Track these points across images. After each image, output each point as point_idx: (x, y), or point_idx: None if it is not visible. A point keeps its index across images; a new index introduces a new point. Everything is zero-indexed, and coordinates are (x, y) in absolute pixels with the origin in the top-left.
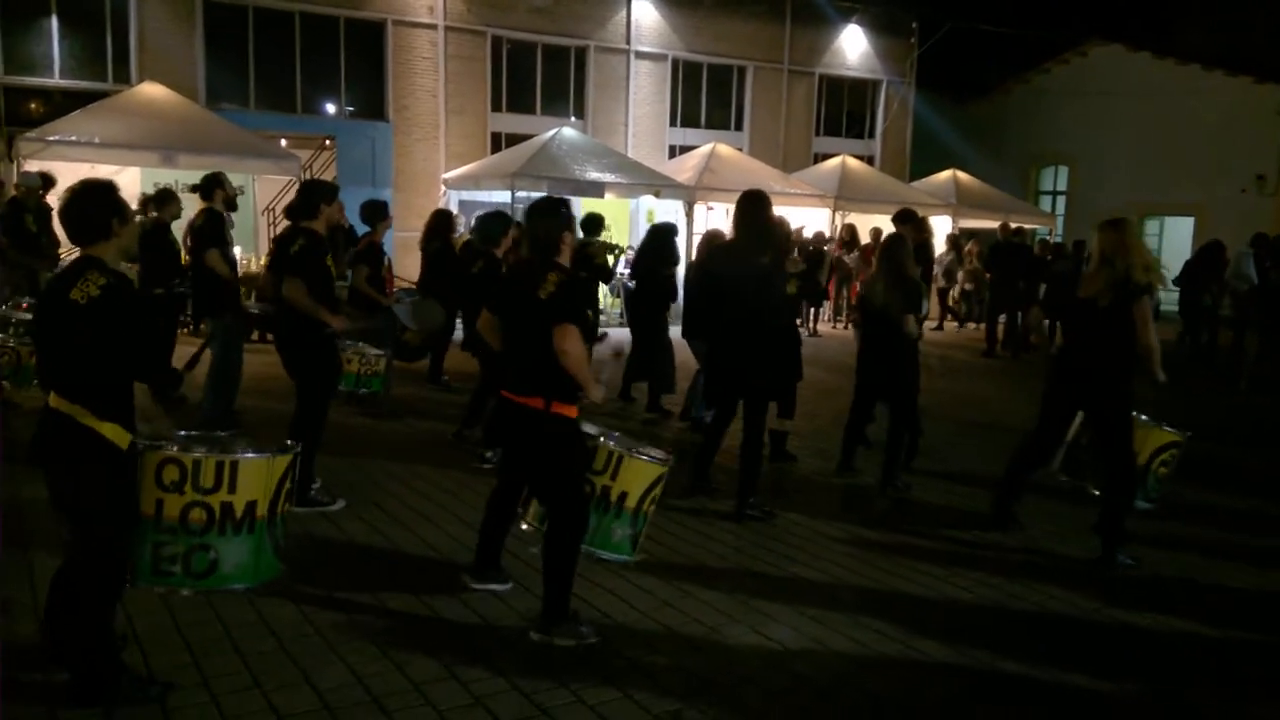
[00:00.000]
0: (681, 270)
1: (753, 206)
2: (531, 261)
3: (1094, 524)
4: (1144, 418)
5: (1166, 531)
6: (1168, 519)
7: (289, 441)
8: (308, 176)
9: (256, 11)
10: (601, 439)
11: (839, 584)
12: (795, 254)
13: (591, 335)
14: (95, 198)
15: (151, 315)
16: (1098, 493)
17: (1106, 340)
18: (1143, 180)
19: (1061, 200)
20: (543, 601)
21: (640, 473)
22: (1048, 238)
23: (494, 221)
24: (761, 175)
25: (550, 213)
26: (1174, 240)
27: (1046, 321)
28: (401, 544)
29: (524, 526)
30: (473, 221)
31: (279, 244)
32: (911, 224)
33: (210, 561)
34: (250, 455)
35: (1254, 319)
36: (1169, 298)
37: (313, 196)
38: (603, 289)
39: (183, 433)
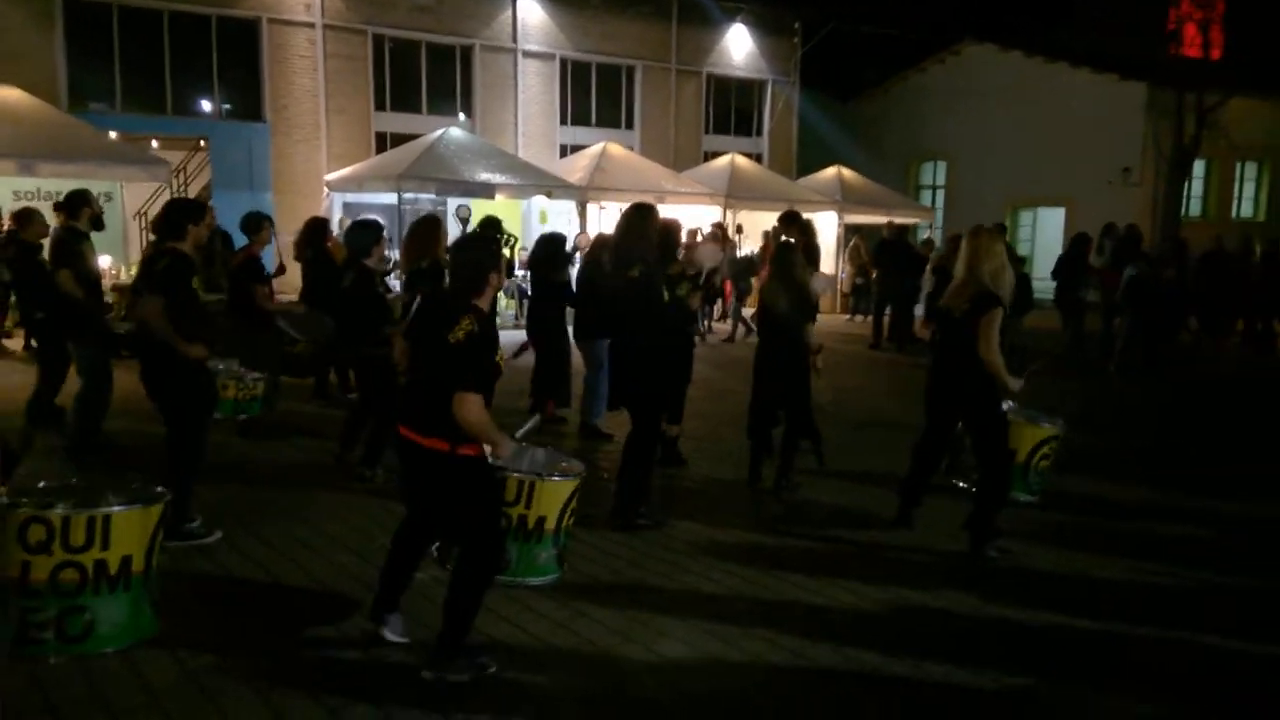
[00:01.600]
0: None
1: (633, 219)
2: (449, 297)
3: (965, 521)
4: (1023, 414)
5: (1051, 524)
6: (1051, 510)
7: (158, 489)
8: (182, 179)
9: (122, 10)
10: (508, 471)
11: (732, 594)
12: (685, 256)
13: (495, 377)
14: None
15: None
16: (974, 490)
17: (964, 348)
18: (1016, 174)
19: (941, 194)
20: (439, 638)
21: (554, 493)
22: (928, 234)
23: (363, 232)
24: (652, 175)
25: (478, 247)
26: (1046, 231)
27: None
28: (284, 577)
29: (450, 569)
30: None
31: (145, 264)
32: (797, 225)
33: (86, 624)
34: (122, 508)
35: (1120, 305)
36: (1047, 287)
37: (179, 217)
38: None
39: (42, 484)
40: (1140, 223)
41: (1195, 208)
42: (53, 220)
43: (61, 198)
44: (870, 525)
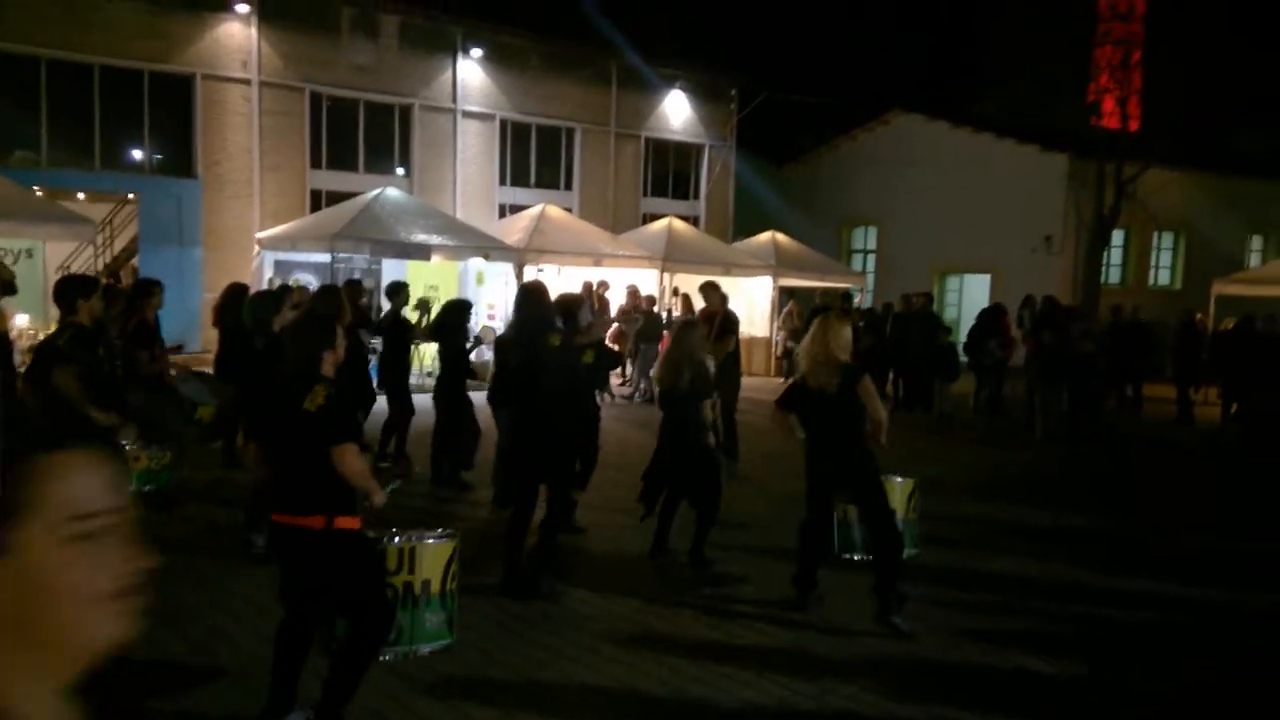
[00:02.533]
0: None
1: (525, 299)
2: (294, 374)
3: (872, 586)
4: (883, 476)
5: (961, 606)
6: (963, 593)
7: None
8: (108, 234)
9: (50, 63)
10: (384, 541)
11: (623, 690)
12: (588, 323)
13: (360, 434)
14: None
15: None
16: (870, 557)
17: (842, 422)
18: (943, 240)
19: (872, 259)
20: (318, 713)
21: (435, 556)
22: (858, 299)
23: (262, 303)
24: (590, 237)
25: (308, 335)
26: (972, 296)
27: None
28: (166, 644)
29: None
30: (288, 280)
31: (44, 345)
32: (718, 293)
33: None
34: None
35: (1033, 374)
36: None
37: (68, 294)
38: (429, 350)
39: None
40: (1061, 290)
41: (1115, 275)
42: None
43: None
44: (771, 603)
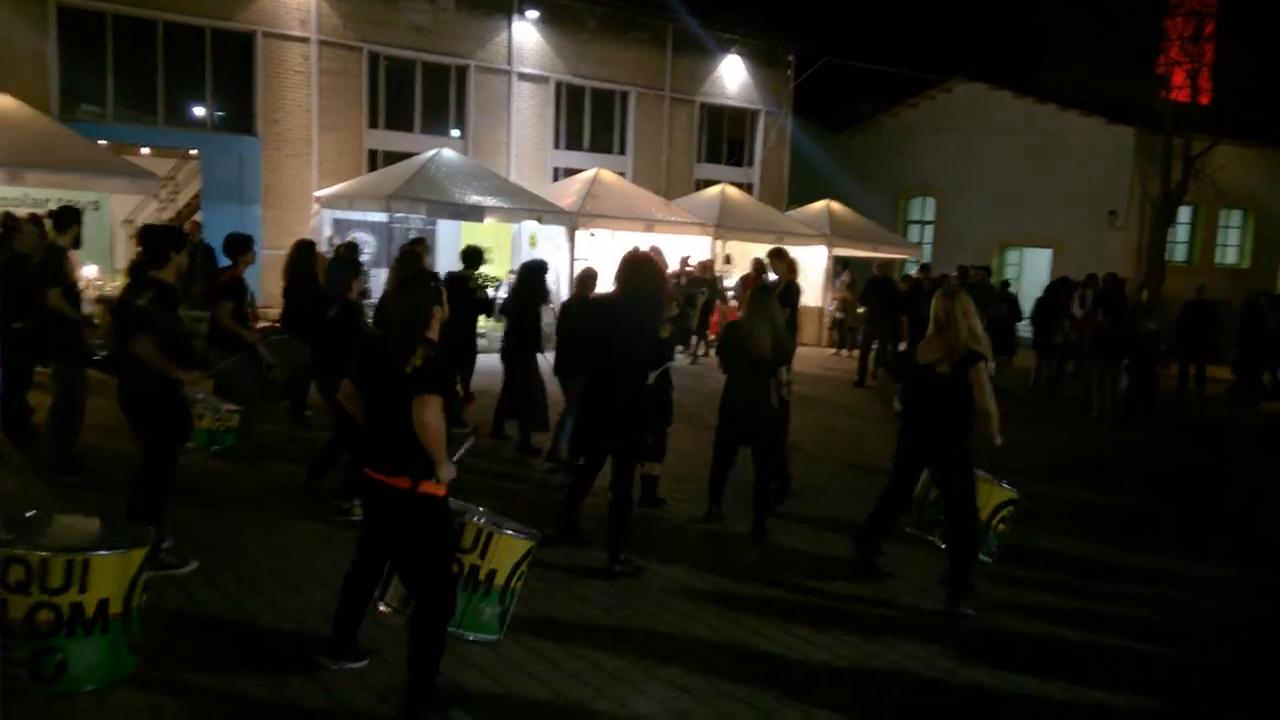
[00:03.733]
0: (557, 305)
1: (635, 270)
2: (398, 335)
3: (939, 576)
4: (983, 474)
5: (1017, 582)
6: (1019, 569)
7: (147, 530)
8: (171, 189)
9: (116, 19)
10: (468, 516)
11: (706, 646)
12: (671, 298)
13: (460, 407)
14: None
15: None
16: (943, 546)
17: (945, 404)
18: (1004, 213)
19: (930, 230)
20: (407, 689)
21: (509, 549)
22: (911, 273)
23: (341, 270)
24: (643, 203)
25: (420, 287)
26: (1033, 271)
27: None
28: (256, 614)
29: (382, 608)
30: (345, 238)
31: (128, 292)
32: (784, 262)
33: (58, 664)
34: (103, 552)
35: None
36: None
37: (161, 245)
38: (484, 321)
39: (30, 513)
40: (1125, 266)
41: (1180, 253)
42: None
43: (49, 208)
44: (844, 575)
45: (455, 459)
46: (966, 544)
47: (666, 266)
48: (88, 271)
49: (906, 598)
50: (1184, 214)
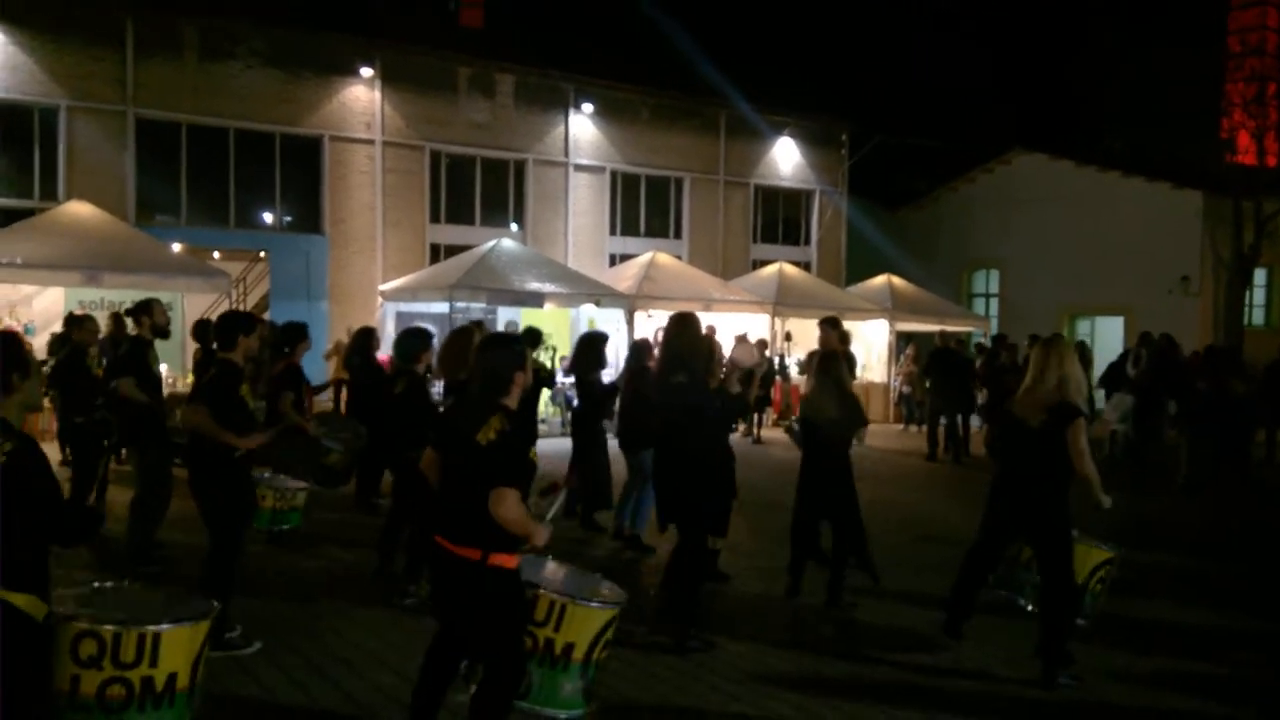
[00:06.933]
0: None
1: (677, 328)
2: (477, 399)
3: (1036, 647)
4: (1078, 534)
5: (1116, 650)
6: (1115, 637)
7: (214, 603)
8: (242, 290)
9: (190, 128)
10: (541, 589)
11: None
12: (723, 371)
13: (532, 474)
14: None
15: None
16: (1031, 609)
17: (1039, 461)
18: (1071, 282)
19: (995, 302)
20: None
21: (587, 620)
22: (982, 340)
23: (411, 339)
24: (701, 283)
25: (503, 347)
26: (1105, 338)
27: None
28: (321, 698)
29: (473, 690)
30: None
31: (196, 373)
32: (837, 331)
33: None
34: (172, 626)
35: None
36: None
37: (231, 329)
38: (544, 394)
39: (96, 584)
40: (1201, 331)
41: (1259, 316)
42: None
43: (124, 308)
44: (925, 649)
45: (549, 518)
46: (1065, 611)
47: (720, 347)
48: (161, 370)
49: (998, 668)
50: (1260, 277)
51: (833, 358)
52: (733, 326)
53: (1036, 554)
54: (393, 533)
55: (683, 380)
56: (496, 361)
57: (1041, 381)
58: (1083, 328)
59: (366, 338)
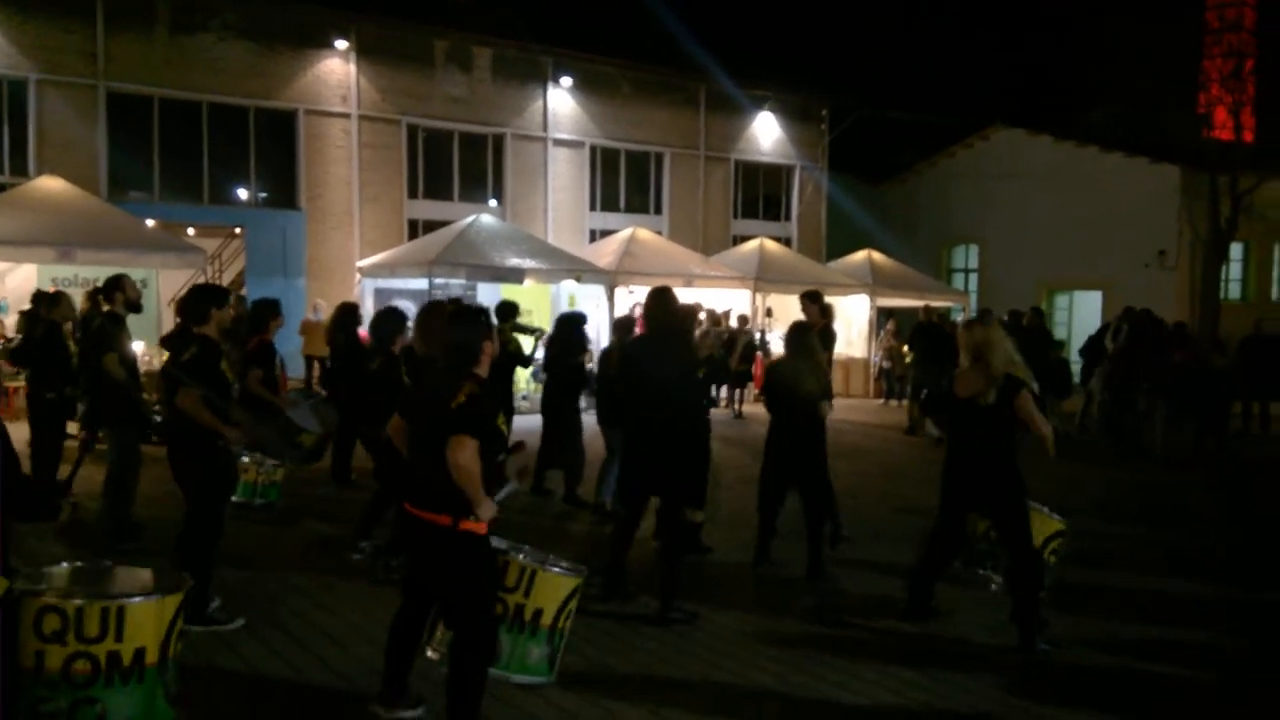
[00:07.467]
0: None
1: (657, 302)
2: (448, 370)
3: (1009, 614)
4: (1033, 505)
5: (1092, 618)
6: (1099, 606)
7: (183, 574)
8: (217, 266)
9: (162, 102)
10: (511, 553)
11: (765, 693)
12: (700, 337)
13: (502, 446)
14: None
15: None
16: (996, 582)
17: (992, 436)
18: (1050, 257)
19: (974, 277)
20: None
21: (555, 587)
22: (962, 317)
23: (387, 319)
24: (681, 258)
25: (470, 321)
26: (1083, 313)
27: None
28: (304, 669)
29: (430, 654)
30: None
31: (171, 350)
32: (818, 305)
33: (97, 715)
34: (138, 599)
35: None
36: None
37: (202, 303)
38: (524, 373)
39: (65, 564)
40: (1178, 305)
41: (1234, 290)
42: (81, 303)
43: (99, 284)
44: (901, 616)
45: (497, 499)
46: (1032, 578)
47: (702, 323)
48: (136, 347)
49: (977, 634)
50: (1236, 251)
51: (805, 328)
52: (714, 302)
53: (996, 526)
54: (375, 512)
55: (662, 351)
56: (464, 333)
57: (977, 362)
58: (1061, 302)
59: (350, 314)
